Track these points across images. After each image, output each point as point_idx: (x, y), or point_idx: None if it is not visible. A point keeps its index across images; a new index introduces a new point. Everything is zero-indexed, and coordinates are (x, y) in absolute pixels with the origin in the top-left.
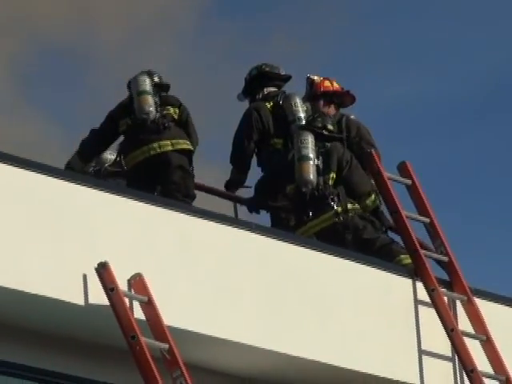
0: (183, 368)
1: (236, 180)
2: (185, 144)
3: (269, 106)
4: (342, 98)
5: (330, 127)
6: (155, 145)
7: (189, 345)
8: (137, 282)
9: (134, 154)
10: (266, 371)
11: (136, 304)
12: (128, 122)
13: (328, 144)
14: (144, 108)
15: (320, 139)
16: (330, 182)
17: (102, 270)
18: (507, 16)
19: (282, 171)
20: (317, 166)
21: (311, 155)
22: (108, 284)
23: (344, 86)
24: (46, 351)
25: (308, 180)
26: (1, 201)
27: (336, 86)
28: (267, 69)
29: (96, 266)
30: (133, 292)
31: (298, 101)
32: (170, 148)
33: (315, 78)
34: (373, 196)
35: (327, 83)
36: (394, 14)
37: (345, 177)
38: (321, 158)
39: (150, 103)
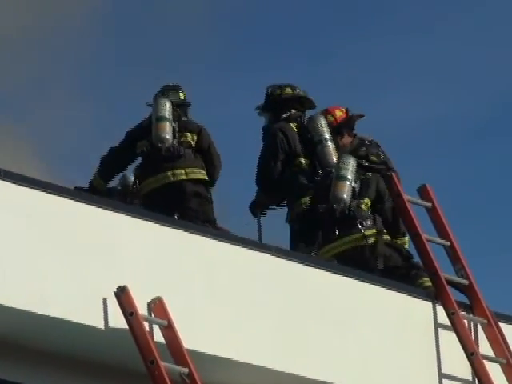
0: None
1: (262, 202)
2: (200, 174)
3: (294, 126)
4: (349, 124)
5: (373, 158)
6: (169, 173)
7: (209, 368)
8: (157, 306)
9: (149, 181)
10: None
11: (156, 328)
12: (145, 146)
13: (369, 174)
14: (160, 135)
15: (362, 168)
16: (363, 207)
17: (121, 294)
18: None
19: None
20: (353, 187)
21: (349, 176)
22: (127, 308)
23: (346, 107)
24: (65, 374)
25: (341, 197)
26: (24, 225)
27: (338, 115)
28: (301, 93)
29: (115, 290)
30: (153, 316)
31: (323, 122)
32: (183, 177)
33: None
34: (406, 238)
35: (330, 118)
36: (405, 37)
37: (386, 210)
38: (359, 182)
39: (167, 130)
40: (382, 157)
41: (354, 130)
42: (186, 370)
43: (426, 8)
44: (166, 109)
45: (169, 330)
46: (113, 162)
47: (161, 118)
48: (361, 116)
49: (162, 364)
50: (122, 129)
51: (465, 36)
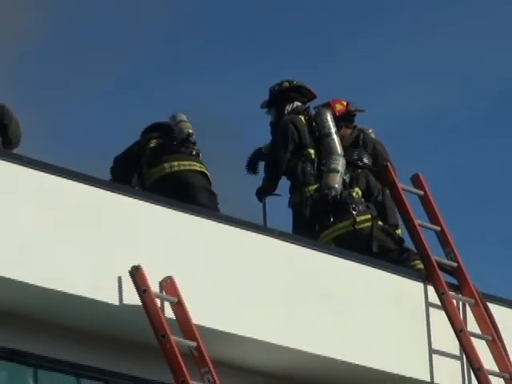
0: (210, 365)
1: (267, 188)
2: (208, 171)
3: (303, 118)
4: (347, 118)
5: (366, 160)
6: (186, 162)
7: (215, 343)
8: (168, 284)
9: (159, 168)
10: (288, 368)
11: (167, 304)
12: (160, 141)
13: (359, 170)
14: (187, 130)
15: (353, 166)
16: (355, 195)
17: (136, 273)
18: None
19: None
20: (343, 179)
21: (339, 169)
22: (141, 286)
23: (348, 100)
24: (82, 347)
25: (332, 185)
26: (46, 209)
27: (338, 108)
28: (299, 83)
29: (130, 269)
30: (164, 293)
31: (329, 116)
32: (197, 168)
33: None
34: (399, 230)
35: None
36: (406, 37)
37: (377, 203)
38: (349, 175)
39: (191, 127)
40: (369, 162)
41: (353, 122)
42: (195, 343)
43: (426, 9)
44: (186, 118)
45: (179, 306)
46: (123, 170)
47: (184, 120)
48: (360, 111)
49: (173, 338)
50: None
51: (463, 36)
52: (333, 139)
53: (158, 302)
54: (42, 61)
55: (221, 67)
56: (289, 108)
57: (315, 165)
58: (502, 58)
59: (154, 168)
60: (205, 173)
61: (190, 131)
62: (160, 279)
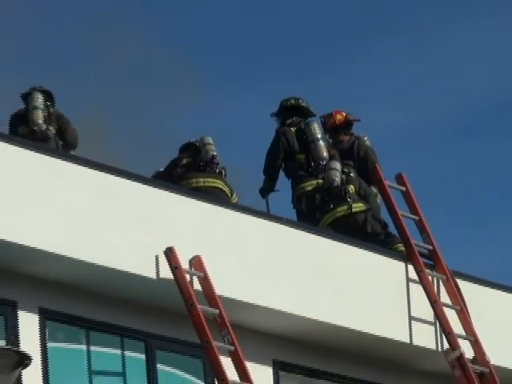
0: (230, 328)
1: (267, 187)
2: (227, 188)
3: (293, 130)
4: (345, 126)
5: (352, 175)
6: (210, 180)
7: (235, 310)
8: (196, 262)
9: (187, 182)
10: (294, 331)
11: (195, 279)
12: (189, 160)
13: (352, 175)
14: (211, 152)
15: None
16: (350, 190)
17: (169, 253)
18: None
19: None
20: (341, 178)
21: (338, 168)
22: (173, 263)
23: (347, 112)
24: (126, 313)
25: (334, 178)
26: (99, 200)
27: (338, 118)
28: (303, 104)
29: (165, 249)
30: (193, 270)
31: (316, 126)
32: (219, 185)
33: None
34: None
35: (331, 120)
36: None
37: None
38: (345, 175)
39: (215, 150)
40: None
41: (350, 130)
42: (217, 311)
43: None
44: (211, 139)
45: (205, 280)
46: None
47: (209, 143)
48: (356, 120)
49: (199, 306)
50: None
51: (440, 58)
52: (319, 144)
53: (187, 276)
54: None
55: (228, 84)
56: (289, 121)
57: (305, 167)
58: (467, 78)
59: (182, 181)
60: (225, 191)
61: (214, 153)
62: (189, 258)
